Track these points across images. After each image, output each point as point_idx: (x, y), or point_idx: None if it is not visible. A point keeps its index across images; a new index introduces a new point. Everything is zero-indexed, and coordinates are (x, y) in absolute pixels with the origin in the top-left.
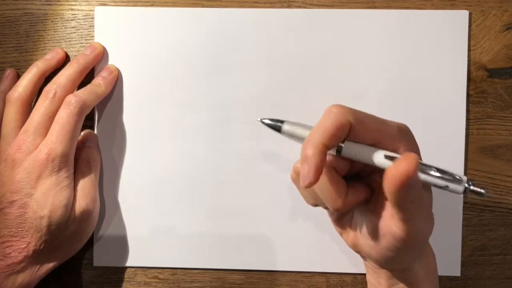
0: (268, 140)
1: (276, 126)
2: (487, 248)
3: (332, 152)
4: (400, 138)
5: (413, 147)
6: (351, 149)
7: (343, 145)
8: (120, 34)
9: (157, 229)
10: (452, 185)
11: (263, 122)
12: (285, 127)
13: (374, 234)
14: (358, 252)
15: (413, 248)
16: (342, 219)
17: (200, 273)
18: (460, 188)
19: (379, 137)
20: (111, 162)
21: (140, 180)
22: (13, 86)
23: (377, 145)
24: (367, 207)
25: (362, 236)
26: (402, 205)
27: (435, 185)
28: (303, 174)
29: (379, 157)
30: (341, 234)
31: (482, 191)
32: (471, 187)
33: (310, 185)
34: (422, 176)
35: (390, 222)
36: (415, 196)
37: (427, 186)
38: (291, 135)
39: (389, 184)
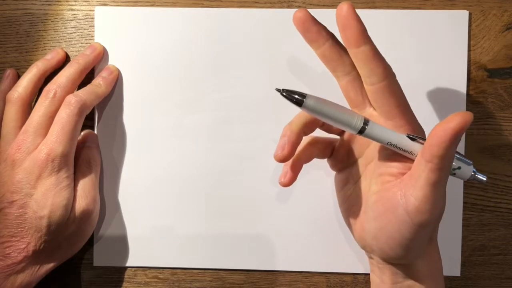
0: (268, 140)
1: (298, 100)
2: (487, 248)
3: (354, 131)
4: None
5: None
6: (374, 130)
7: (366, 126)
8: (120, 34)
9: (157, 229)
10: (464, 167)
11: (282, 94)
12: (308, 101)
13: (384, 215)
14: (364, 246)
15: (423, 227)
16: (349, 213)
17: (200, 273)
18: (469, 171)
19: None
20: (111, 162)
21: (140, 180)
22: (13, 86)
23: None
24: (369, 203)
25: (369, 221)
26: (441, 164)
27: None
28: (279, 145)
29: (401, 139)
30: (349, 226)
31: (484, 178)
32: (477, 174)
33: (281, 157)
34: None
35: (407, 194)
36: (451, 159)
37: None
38: (314, 111)
39: (438, 139)
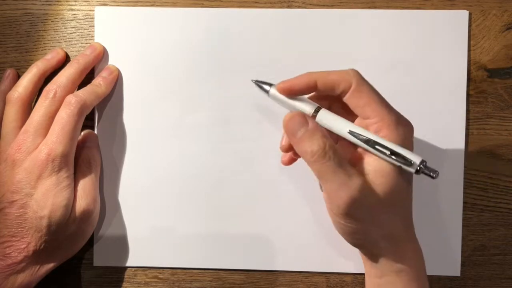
0: (268, 140)
1: (264, 88)
2: (487, 248)
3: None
4: (385, 127)
5: (399, 140)
6: (323, 118)
7: (316, 114)
8: (120, 34)
9: (157, 229)
10: (404, 167)
11: (255, 83)
12: (272, 91)
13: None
14: (340, 232)
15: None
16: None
17: (200, 273)
18: (412, 169)
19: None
20: (111, 162)
21: (140, 180)
22: (13, 86)
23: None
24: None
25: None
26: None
27: (391, 163)
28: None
29: (344, 131)
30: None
31: (434, 175)
32: (424, 170)
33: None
34: (379, 154)
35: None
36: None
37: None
38: (276, 99)
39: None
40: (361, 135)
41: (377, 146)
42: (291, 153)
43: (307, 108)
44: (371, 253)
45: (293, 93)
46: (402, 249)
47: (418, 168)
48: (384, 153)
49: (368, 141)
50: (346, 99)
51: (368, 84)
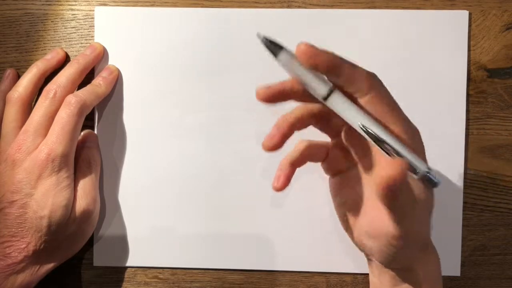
0: None
1: (274, 49)
2: (487, 248)
3: (319, 97)
4: (406, 135)
5: (415, 150)
6: (338, 101)
7: (331, 93)
8: (120, 34)
9: (157, 229)
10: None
11: (262, 41)
12: (282, 55)
13: (373, 233)
14: (363, 249)
15: (408, 248)
16: (347, 218)
17: (200, 273)
18: (415, 176)
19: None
20: (111, 162)
21: (140, 180)
22: (13, 86)
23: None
24: (364, 208)
25: (364, 235)
26: (391, 208)
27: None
28: (269, 134)
29: (356, 121)
30: (346, 229)
31: (436, 184)
32: (428, 178)
33: (269, 146)
34: (385, 154)
35: (384, 221)
36: (405, 200)
37: (427, 191)
38: (286, 66)
39: (377, 187)
40: (372, 131)
41: (386, 145)
42: (283, 174)
43: (321, 86)
44: (403, 267)
45: (312, 63)
46: (425, 260)
47: (424, 175)
48: (392, 155)
49: (378, 140)
50: (364, 103)
51: (388, 94)
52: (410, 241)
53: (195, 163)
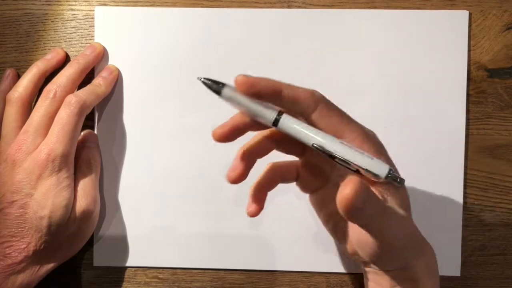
0: None
1: (216, 88)
2: (487, 248)
3: (269, 123)
4: (363, 141)
5: (377, 150)
6: (287, 123)
7: (280, 117)
8: (120, 34)
9: (157, 229)
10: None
11: (203, 82)
12: (225, 91)
13: (361, 244)
14: (357, 260)
15: (400, 250)
16: (335, 232)
17: (200, 273)
18: (376, 178)
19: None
20: (111, 162)
21: (140, 180)
22: (13, 86)
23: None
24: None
25: (355, 244)
26: (362, 224)
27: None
28: (231, 167)
29: (309, 142)
30: (340, 241)
31: (400, 180)
32: (391, 178)
33: (233, 178)
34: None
35: (366, 233)
36: (375, 210)
37: (398, 190)
38: (231, 100)
39: (339, 209)
40: (325, 149)
41: (340, 161)
42: (255, 200)
43: (268, 113)
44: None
45: (253, 91)
46: (422, 255)
47: (386, 177)
48: (350, 168)
49: (333, 157)
50: (316, 118)
51: (334, 104)
52: (398, 245)
53: (195, 163)
